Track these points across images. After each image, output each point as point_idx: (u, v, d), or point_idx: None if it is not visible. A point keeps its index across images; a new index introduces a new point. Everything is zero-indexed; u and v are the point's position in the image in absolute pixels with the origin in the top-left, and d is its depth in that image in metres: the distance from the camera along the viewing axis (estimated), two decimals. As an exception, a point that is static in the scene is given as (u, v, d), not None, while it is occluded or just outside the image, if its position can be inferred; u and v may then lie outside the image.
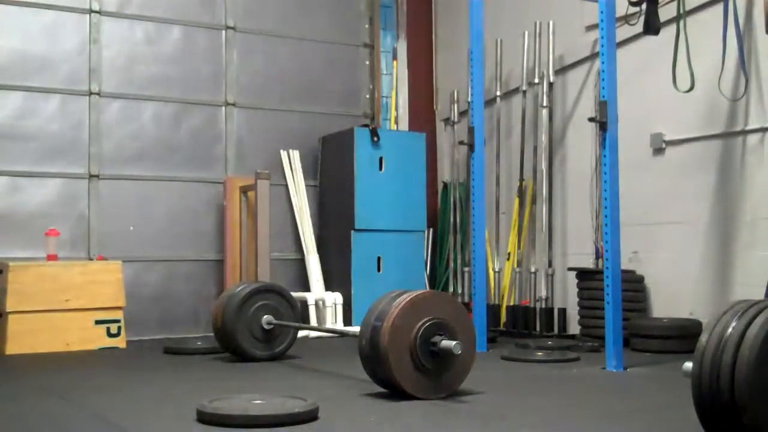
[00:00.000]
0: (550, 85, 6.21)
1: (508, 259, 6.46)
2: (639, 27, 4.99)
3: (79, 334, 5.35)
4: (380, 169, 6.60)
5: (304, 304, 6.24)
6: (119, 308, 5.52)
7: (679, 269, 5.28)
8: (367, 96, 7.39)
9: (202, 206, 6.57)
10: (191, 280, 6.47)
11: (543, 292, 6.09)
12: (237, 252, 6.41)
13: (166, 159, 6.47)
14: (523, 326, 6.12)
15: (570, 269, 5.82)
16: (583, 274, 5.61)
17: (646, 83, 5.48)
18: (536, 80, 6.30)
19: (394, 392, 3.40)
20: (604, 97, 4.41)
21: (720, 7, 4.82)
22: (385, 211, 6.57)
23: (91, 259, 6.00)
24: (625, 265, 5.00)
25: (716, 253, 5.05)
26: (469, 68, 5.95)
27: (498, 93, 6.72)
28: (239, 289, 4.79)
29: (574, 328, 5.82)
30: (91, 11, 6.23)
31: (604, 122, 4.40)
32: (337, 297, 6.38)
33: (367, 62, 7.39)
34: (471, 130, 5.27)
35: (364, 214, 6.49)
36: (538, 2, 6.53)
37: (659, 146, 5.42)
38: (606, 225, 4.39)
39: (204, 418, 2.89)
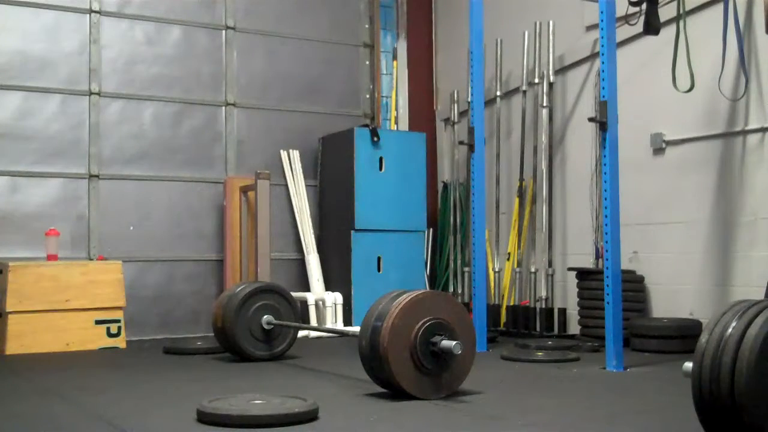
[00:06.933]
0: (550, 85, 6.20)
1: (508, 259, 6.46)
2: (639, 27, 4.99)
3: (79, 334, 5.35)
4: (380, 169, 6.60)
5: (304, 304, 6.24)
6: (119, 308, 5.52)
7: (679, 269, 5.28)
8: (367, 96, 7.39)
9: (202, 206, 6.57)
10: (191, 280, 6.47)
11: (543, 292, 6.08)
12: (237, 252, 6.41)
13: (166, 159, 6.47)
14: (523, 326, 6.12)
15: (570, 269, 5.82)
16: (583, 274, 5.61)
17: (646, 83, 5.47)
18: (536, 80, 6.30)
19: (394, 392, 3.40)
20: (604, 97, 4.41)
21: (720, 7, 4.82)
22: (385, 211, 6.57)
23: (91, 259, 6.00)
24: (625, 265, 5.00)
25: (716, 253, 5.05)
26: (469, 68, 5.96)
27: (498, 93, 6.71)
28: (239, 289, 4.79)
29: (574, 328, 5.82)
30: (91, 11, 6.23)
31: (604, 122, 4.41)
32: (337, 297, 6.38)
33: (367, 62, 7.39)
34: (471, 130, 5.27)
35: (364, 214, 6.49)
36: (538, 2, 6.52)
37: (659, 146, 5.42)
38: (606, 225, 4.39)
39: (204, 418, 2.90)
